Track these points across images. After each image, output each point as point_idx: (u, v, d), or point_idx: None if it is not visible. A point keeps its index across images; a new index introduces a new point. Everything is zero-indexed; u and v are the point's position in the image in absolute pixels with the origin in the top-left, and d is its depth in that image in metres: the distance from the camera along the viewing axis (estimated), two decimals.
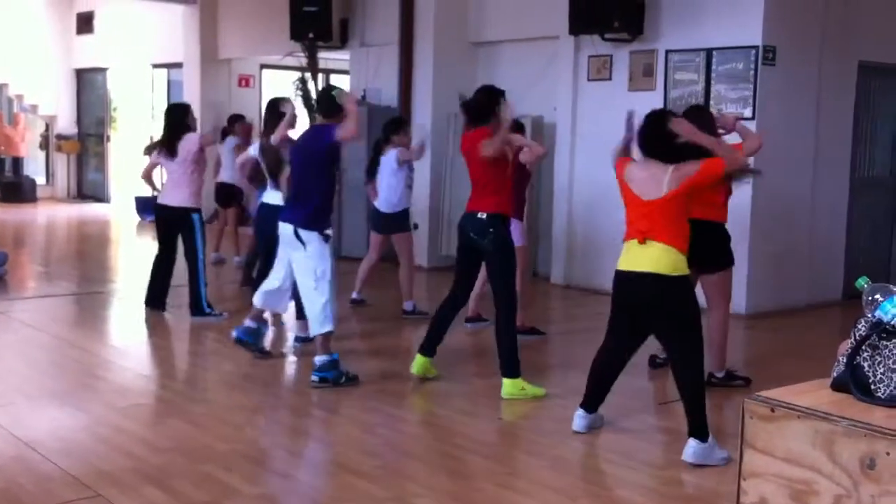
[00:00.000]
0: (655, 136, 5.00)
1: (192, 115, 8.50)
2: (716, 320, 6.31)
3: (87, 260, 12.65)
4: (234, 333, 6.88)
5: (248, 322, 6.86)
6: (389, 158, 8.50)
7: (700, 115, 6.14)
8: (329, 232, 6.31)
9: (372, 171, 8.68)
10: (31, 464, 4.79)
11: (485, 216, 6.13)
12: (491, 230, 6.12)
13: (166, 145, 8.29)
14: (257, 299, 6.74)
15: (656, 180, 4.90)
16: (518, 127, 7.75)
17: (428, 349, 6.43)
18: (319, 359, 6.30)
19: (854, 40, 9.47)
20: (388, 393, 6.27)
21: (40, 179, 19.55)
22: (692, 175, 4.85)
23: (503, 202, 6.23)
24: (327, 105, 6.43)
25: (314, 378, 6.28)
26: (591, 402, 5.40)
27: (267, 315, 7.13)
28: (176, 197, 8.26)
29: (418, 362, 6.41)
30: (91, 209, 18.06)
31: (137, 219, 16.02)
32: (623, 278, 5.04)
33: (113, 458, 4.92)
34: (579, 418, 5.39)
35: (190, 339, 8.05)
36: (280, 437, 5.61)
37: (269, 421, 5.89)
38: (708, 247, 6.02)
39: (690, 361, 5.01)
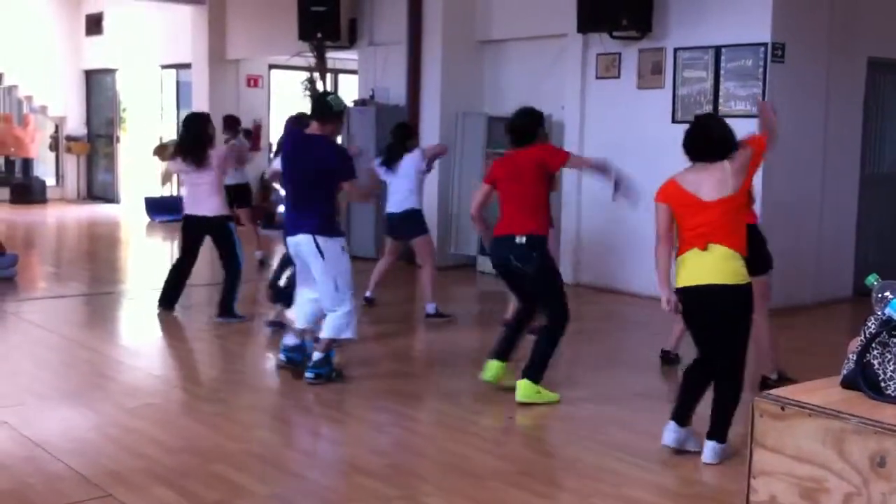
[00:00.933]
0: (704, 140, 4.94)
1: (212, 124, 8.45)
2: (757, 325, 6.22)
3: (97, 261, 12.68)
4: (281, 357, 6.65)
5: (287, 340, 6.67)
6: (405, 163, 8.51)
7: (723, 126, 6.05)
8: (344, 241, 6.32)
9: (391, 163, 8.61)
10: (42, 464, 4.81)
11: (524, 240, 5.91)
12: (534, 254, 5.93)
13: (192, 155, 8.18)
14: (299, 320, 6.63)
15: (717, 179, 4.84)
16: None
17: (498, 354, 6.27)
18: (318, 355, 6.31)
19: (863, 37, 9.45)
20: (398, 393, 6.28)
21: (50, 181, 19.59)
22: (751, 159, 4.88)
23: (543, 222, 6.06)
24: (323, 111, 6.31)
25: (309, 375, 6.28)
26: (682, 415, 5.14)
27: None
28: (211, 207, 8.19)
29: (490, 367, 6.24)
30: (101, 210, 18.11)
31: (147, 219, 16.07)
32: (691, 294, 4.91)
33: (123, 458, 4.93)
34: (670, 431, 5.14)
35: (200, 340, 8.06)
36: (291, 437, 5.62)
37: (281, 421, 5.90)
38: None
39: (737, 370, 4.99)
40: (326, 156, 6.27)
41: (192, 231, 8.47)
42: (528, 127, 6.17)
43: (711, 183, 4.86)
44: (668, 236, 5.01)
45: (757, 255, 6.05)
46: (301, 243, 6.26)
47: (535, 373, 5.97)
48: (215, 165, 8.13)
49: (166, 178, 8.68)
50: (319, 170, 6.24)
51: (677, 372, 6.73)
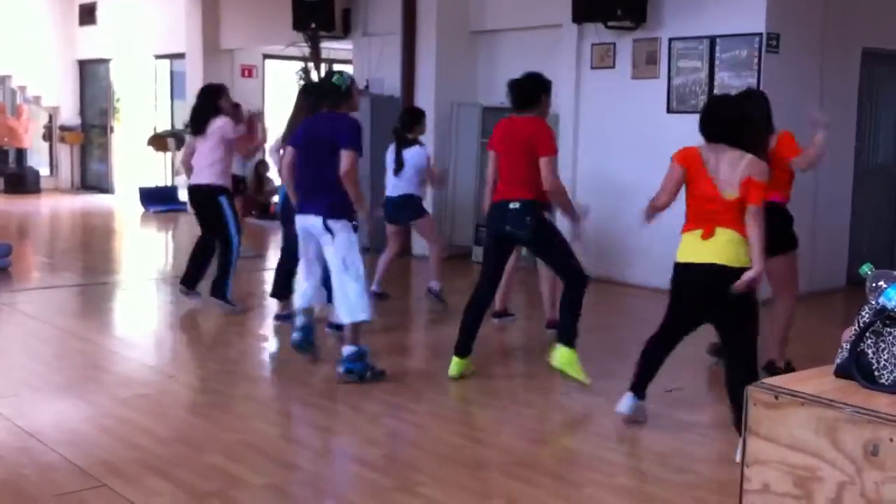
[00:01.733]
0: (720, 120, 4.92)
1: (226, 96, 8.32)
2: (783, 308, 6.18)
3: (91, 251, 12.67)
4: (294, 336, 6.49)
5: (297, 321, 6.53)
6: (411, 155, 8.45)
7: (755, 104, 6.00)
8: (356, 222, 6.18)
9: (399, 165, 8.48)
10: (36, 454, 4.81)
11: (518, 205, 5.88)
12: (528, 219, 5.88)
13: (193, 124, 8.21)
14: (298, 300, 6.52)
15: (731, 167, 4.80)
16: None
17: (463, 350, 6.30)
18: (348, 349, 6.17)
19: (858, 27, 9.45)
20: (393, 383, 6.26)
21: (44, 171, 19.56)
22: (751, 188, 4.76)
23: (537, 190, 5.94)
24: (333, 96, 6.20)
25: (340, 370, 6.17)
26: (640, 386, 5.31)
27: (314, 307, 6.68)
28: (204, 176, 8.08)
29: (456, 364, 6.27)
30: (95, 200, 18.08)
31: (141, 209, 16.04)
32: (686, 270, 4.93)
33: (117, 448, 4.93)
34: (626, 399, 5.30)
35: (194, 330, 8.05)
36: (286, 428, 5.62)
37: (275, 411, 5.89)
38: (769, 230, 5.88)
39: (743, 359, 4.95)
40: (337, 127, 6.14)
41: (194, 204, 8.37)
42: (532, 90, 6.09)
43: (728, 170, 4.82)
44: (670, 195, 5.02)
45: (781, 234, 5.99)
46: (311, 222, 6.16)
47: (568, 338, 5.93)
48: (214, 134, 8.04)
49: (185, 158, 8.43)
50: (329, 143, 6.07)
51: (670, 365, 6.75)
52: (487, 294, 6.40)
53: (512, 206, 5.89)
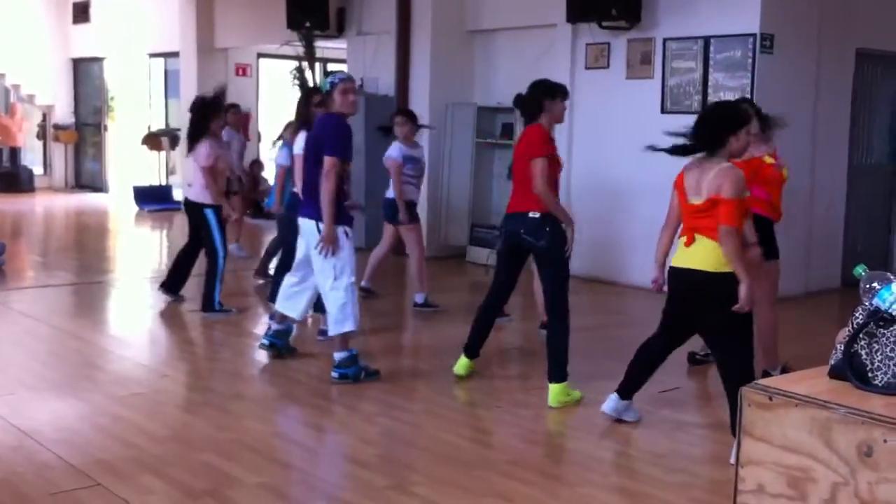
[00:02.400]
0: (706, 128, 4.92)
1: (212, 109, 8.25)
2: (762, 318, 6.12)
3: (85, 250, 12.64)
4: (263, 341, 6.75)
5: (274, 326, 6.72)
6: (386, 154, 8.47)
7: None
8: (349, 228, 6.14)
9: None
10: (31, 453, 4.80)
11: (538, 215, 5.83)
12: (546, 230, 5.82)
13: (189, 142, 8.31)
14: (280, 305, 6.59)
15: (702, 180, 4.84)
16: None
17: (472, 351, 6.33)
18: (338, 355, 6.19)
19: (852, 28, 9.47)
20: (388, 382, 6.26)
21: (38, 169, 19.52)
22: (720, 205, 4.76)
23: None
24: (321, 94, 6.29)
25: (334, 375, 6.18)
26: (627, 389, 5.40)
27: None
28: (192, 191, 8.26)
29: (462, 365, 6.31)
30: (89, 199, 18.05)
31: (136, 208, 16.02)
32: (674, 273, 5.01)
33: (112, 447, 4.92)
34: (610, 401, 5.40)
35: (188, 329, 8.05)
36: (280, 427, 5.62)
37: (269, 410, 5.89)
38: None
39: (732, 368, 4.91)
40: (324, 130, 6.11)
41: (187, 212, 8.47)
42: (527, 98, 6.04)
43: (694, 180, 4.88)
44: (672, 221, 5.10)
45: (761, 244, 5.99)
46: (305, 227, 6.19)
47: (558, 375, 5.84)
48: (200, 157, 8.09)
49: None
50: (319, 146, 6.07)
51: (667, 368, 6.76)
52: (498, 298, 6.40)
53: (532, 215, 5.86)
